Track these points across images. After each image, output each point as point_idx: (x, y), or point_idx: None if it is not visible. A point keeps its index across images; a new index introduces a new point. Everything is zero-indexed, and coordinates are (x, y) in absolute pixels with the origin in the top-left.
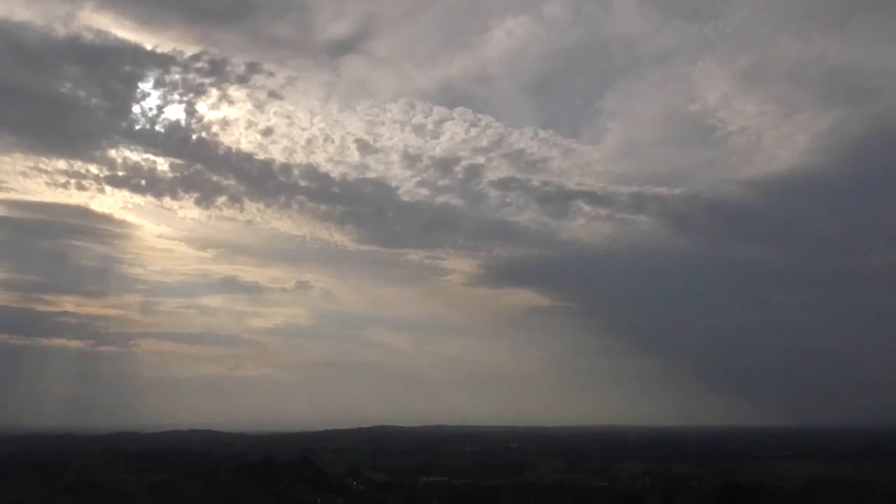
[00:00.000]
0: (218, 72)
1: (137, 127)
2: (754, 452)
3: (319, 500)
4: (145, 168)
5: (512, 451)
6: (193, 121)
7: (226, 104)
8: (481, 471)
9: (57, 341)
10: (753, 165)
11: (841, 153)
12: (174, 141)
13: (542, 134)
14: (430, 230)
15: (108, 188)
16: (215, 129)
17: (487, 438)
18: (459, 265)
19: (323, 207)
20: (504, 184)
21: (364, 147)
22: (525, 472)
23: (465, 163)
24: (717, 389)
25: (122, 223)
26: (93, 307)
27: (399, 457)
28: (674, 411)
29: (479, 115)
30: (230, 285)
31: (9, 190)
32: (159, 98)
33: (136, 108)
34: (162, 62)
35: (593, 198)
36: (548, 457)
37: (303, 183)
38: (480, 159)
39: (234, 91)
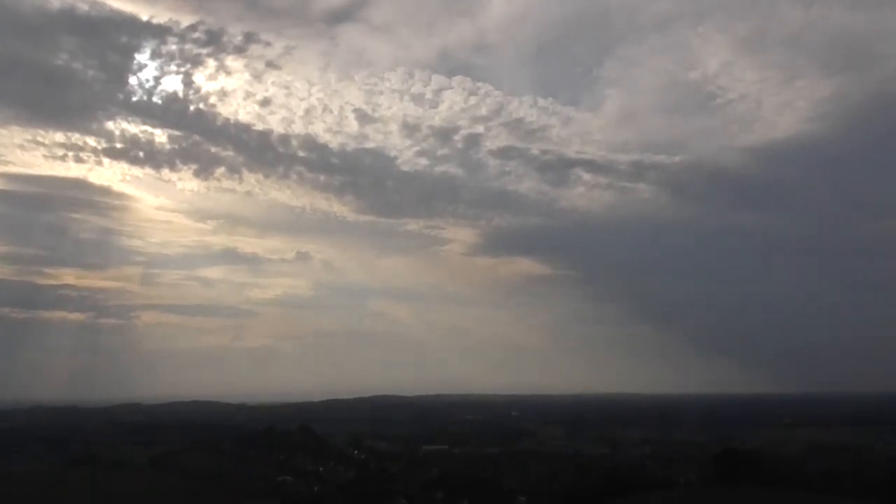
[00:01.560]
0: (215, 42)
1: (135, 98)
2: (753, 419)
3: (321, 468)
4: (143, 140)
5: (512, 420)
6: (191, 92)
7: (223, 75)
8: (482, 439)
9: (58, 314)
10: (754, 133)
11: (842, 120)
12: (172, 112)
13: (541, 102)
14: (429, 200)
15: (106, 160)
16: (213, 99)
17: (488, 407)
18: (459, 235)
19: (322, 178)
20: (503, 153)
21: (363, 117)
22: (525, 440)
23: (464, 132)
24: (717, 357)
25: (120, 195)
26: (93, 280)
27: (400, 426)
28: (674, 379)
29: (478, 84)
30: (230, 256)
31: (6, 163)
32: (156, 69)
33: (132, 80)
34: (158, 33)
35: (593, 166)
36: (548, 425)
37: (301, 153)
38: (480, 128)
39: (232, 61)
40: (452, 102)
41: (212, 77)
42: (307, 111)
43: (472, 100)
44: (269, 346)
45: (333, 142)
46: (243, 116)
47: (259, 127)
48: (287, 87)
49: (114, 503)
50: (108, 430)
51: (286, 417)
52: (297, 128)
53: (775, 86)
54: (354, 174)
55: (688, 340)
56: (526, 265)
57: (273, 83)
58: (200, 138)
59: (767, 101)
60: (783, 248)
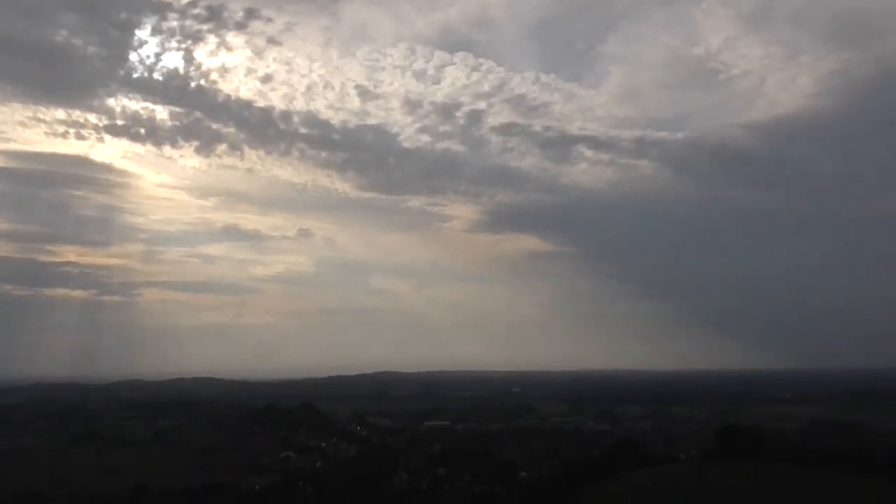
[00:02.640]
0: (216, 18)
1: (135, 75)
2: (754, 395)
3: (324, 444)
4: (144, 117)
5: (514, 396)
6: (192, 68)
7: (224, 51)
8: (483, 415)
9: (60, 291)
10: (757, 109)
11: (846, 96)
12: (173, 89)
13: (543, 78)
14: (431, 177)
15: (107, 137)
16: (214, 76)
17: (489, 383)
18: (461, 211)
19: (324, 155)
20: (506, 129)
21: (364, 93)
22: (527, 416)
23: (466, 108)
24: (718, 333)
25: (122, 172)
26: (95, 257)
27: (402, 402)
28: (675, 354)
29: (481, 60)
30: (232, 233)
31: (8, 140)
32: (157, 45)
33: (133, 56)
34: (158, 8)
35: (595, 142)
36: (550, 400)
37: (303, 130)
38: (482, 104)
39: (233, 37)
40: (454, 79)
41: (213, 53)
42: (308, 87)
43: (475, 76)
44: (271, 322)
45: (335, 118)
46: (244, 93)
47: (260, 103)
48: (288, 64)
49: (116, 478)
50: (111, 407)
51: (288, 394)
52: (299, 104)
53: (779, 62)
54: (356, 151)
55: (689, 316)
56: (527, 242)
57: (274, 59)
58: (201, 115)
59: (771, 77)
60: (786, 225)
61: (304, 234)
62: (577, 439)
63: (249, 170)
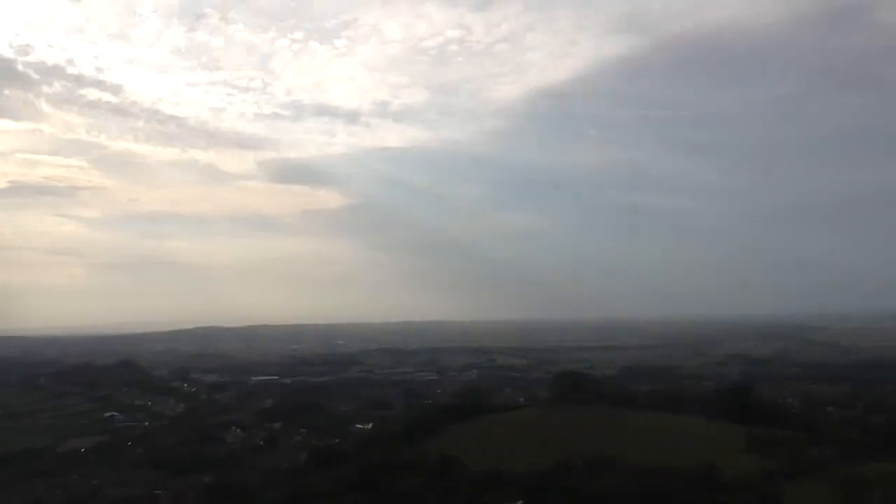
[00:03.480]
0: None
1: None
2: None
3: (149, 402)
4: None
5: (339, 348)
6: None
7: None
8: (310, 368)
9: None
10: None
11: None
12: None
13: None
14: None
15: None
16: None
17: (312, 336)
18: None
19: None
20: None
21: None
22: (353, 368)
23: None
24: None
25: None
26: None
27: (225, 358)
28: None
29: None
30: None
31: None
32: None
33: None
34: None
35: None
36: (374, 353)
37: None
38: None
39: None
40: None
41: None
42: None
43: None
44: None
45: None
46: None
47: None
48: None
49: None
50: None
51: (101, 351)
52: None
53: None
54: None
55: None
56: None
57: None
58: None
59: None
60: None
61: None
62: (406, 390)
63: None
